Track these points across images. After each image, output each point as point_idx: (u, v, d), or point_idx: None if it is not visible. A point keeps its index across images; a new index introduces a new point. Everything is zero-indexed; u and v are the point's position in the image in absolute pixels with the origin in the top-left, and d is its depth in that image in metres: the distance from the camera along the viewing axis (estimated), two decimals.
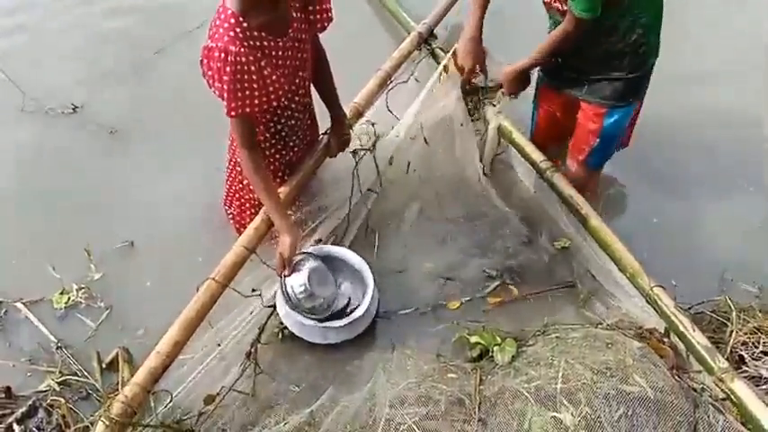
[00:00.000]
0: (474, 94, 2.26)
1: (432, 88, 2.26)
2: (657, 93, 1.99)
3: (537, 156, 2.07)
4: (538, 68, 2.08)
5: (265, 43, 1.48)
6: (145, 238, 2.21)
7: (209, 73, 1.47)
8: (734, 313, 1.76)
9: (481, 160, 2.32)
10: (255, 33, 1.45)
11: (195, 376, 1.65)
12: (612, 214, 2.24)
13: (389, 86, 2.28)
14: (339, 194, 2.06)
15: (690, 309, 1.82)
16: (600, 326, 1.81)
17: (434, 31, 2.56)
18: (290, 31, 1.54)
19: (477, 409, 1.58)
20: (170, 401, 1.55)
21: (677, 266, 2.03)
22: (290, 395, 1.73)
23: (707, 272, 2.04)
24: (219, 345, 1.65)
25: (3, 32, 2.95)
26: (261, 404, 1.73)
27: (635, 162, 2.23)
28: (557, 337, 1.78)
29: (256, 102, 1.50)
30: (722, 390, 1.55)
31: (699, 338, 1.60)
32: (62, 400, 1.74)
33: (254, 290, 1.73)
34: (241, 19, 1.42)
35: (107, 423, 1.38)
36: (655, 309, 1.71)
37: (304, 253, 1.82)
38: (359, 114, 2.14)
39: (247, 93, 1.47)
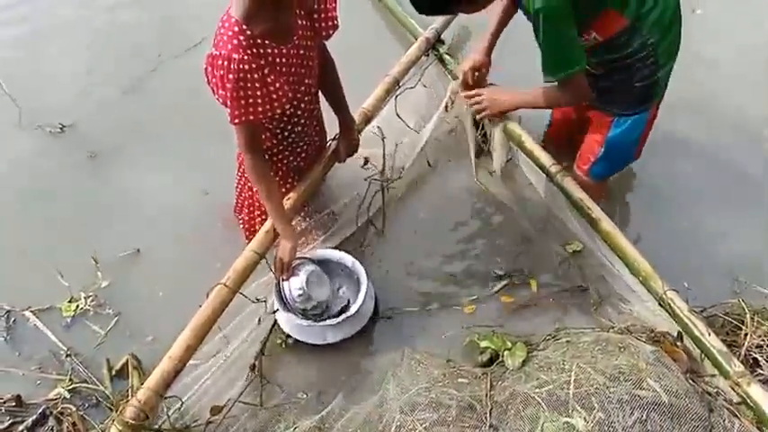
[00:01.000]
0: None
1: (437, 121, 2.32)
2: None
3: (546, 159, 2.05)
4: None
5: (269, 50, 1.49)
6: (150, 245, 2.21)
7: (214, 80, 1.47)
8: (747, 316, 1.73)
9: (492, 163, 2.32)
10: (259, 41, 1.46)
11: (203, 384, 1.66)
12: (622, 217, 2.23)
13: (397, 92, 2.29)
14: (348, 200, 2.06)
15: (703, 311, 1.80)
16: (612, 329, 1.80)
17: (442, 36, 2.56)
18: (294, 38, 1.54)
19: (488, 415, 1.56)
20: (180, 406, 1.55)
21: (690, 269, 2.01)
22: (300, 403, 1.73)
23: (720, 274, 2.02)
24: (226, 357, 1.65)
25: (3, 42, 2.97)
26: (270, 412, 1.73)
27: (643, 164, 2.21)
28: (567, 341, 1.76)
29: (260, 109, 1.50)
30: (738, 393, 1.52)
31: (714, 342, 1.58)
32: (72, 407, 1.74)
33: (257, 299, 1.73)
34: (245, 27, 1.43)
35: (120, 427, 1.38)
36: (668, 312, 1.69)
37: (301, 257, 1.84)
38: (367, 120, 2.15)
39: (251, 100, 1.48)
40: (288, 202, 1.82)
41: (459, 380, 1.70)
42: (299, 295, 1.78)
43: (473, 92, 2.10)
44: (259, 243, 1.74)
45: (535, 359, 1.73)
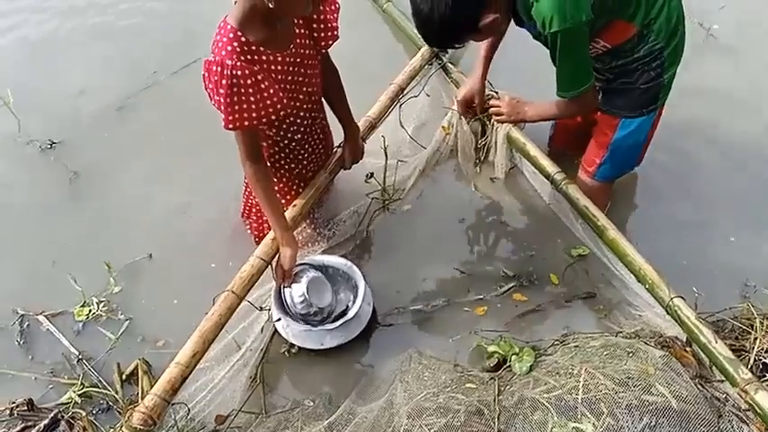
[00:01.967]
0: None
1: (437, 148, 2.40)
2: (671, 98, 1.96)
3: (550, 167, 2.06)
4: None
5: (264, 57, 1.50)
6: (162, 250, 2.24)
7: (210, 86, 1.49)
8: (757, 320, 1.72)
9: (494, 171, 2.35)
10: (254, 47, 1.48)
11: (210, 390, 1.67)
12: (628, 220, 2.22)
13: (401, 100, 2.32)
14: (351, 210, 2.09)
15: (711, 316, 1.80)
16: (620, 334, 1.79)
17: None
18: (291, 46, 1.56)
19: (496, 420, 1.56)
20: (188, 412, 1.57)
21: (699, 272, 2.00)
22: (306, 410, 1.74)
23: (729, 277, 2.01)
24: (233, 364, 1.66)
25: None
26: (277, 419, 1.74)
27: (649, 167, 2.21)
28: (576, 346, 1.76)
29: (254, 115, 1.52)
30: (745, 401, 1.51)
31: (721, 350, 1.57)
32: (83, 412, 1.75)
33: (261, 307, 1.75)
34: (240, 33, 1.45)
35: None
36: (675, 320, 1.68)
37: (302, 264, 1.85)
38: (372, 127, 2.17)
39: (244, 106, 1.49)
40: (293, 209, 1.84)
41: (467, 385, 1.70)
42: (301, 302, 1.79)
43: (494, 99, 2.14)
44: (266, 249, 1.76)
45: (543, 364, 1.73)
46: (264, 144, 1.79)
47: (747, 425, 1.48)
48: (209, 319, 1.58)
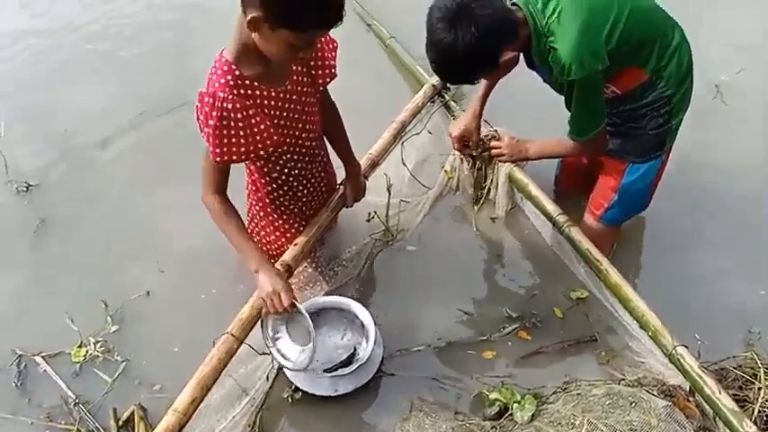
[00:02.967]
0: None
1: (440, 192, 2.41)
2: (679, 144, 1.97)
3: (553, 208, 2.06)
4: None
5: (257, 92, 1.50)
6: (160, 288, 2.22)
7: (201, 118, 1.49)
8: (761, 370, 1.71)
9: (495, 210, 2.36)
10: (248, 82, 1.47)
11: None
12: (630, 264, 2.21)
13: (403, 138, 2.33)
14: (355, 248, 2.08)
15: (714, 365, 1.78)
16: (622, 382, 1.77)
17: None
18: (287, 83, 1.56)
19: None
20: None
21: (701, 318, 1.98)
22: None
23: (732, 324, 1.99)
24: (234, 413, 1.64)
25: None
26: None
27: (654, 211, 2.20)
28: (578, 394, 1.74)
29: (242, 149, 1.51)
30: None
31: (725, 402, 1.55)
32: None
33: (264, 352, 1.71)
34: (234, 67, 1.45)
35: None
36: (678, 369, 1.67)
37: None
38: (374, 165, 2.18)
39: (233, 140, 1.48)
40: (294, 248, 1.82)
41: None
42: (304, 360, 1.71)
43: (494, 140, 2.17)
44: None
45: (545, 413, 1.70)
46: (262, 180, 1.78)
47: None
48: (207, 363, 1.56)
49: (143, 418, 1.79)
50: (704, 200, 2.41)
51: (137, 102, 2.93)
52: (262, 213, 1.90)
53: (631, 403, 1.63)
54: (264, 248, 1.97)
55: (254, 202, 1.92)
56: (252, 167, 1.76)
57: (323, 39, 1.59)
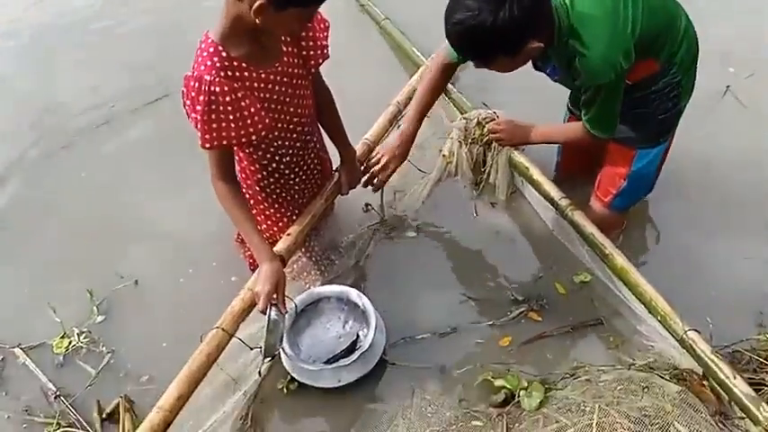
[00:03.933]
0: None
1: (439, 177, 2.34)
2: (683, 126, 1.92)
3: (555, 192, 2.00)
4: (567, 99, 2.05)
5: (246, 74, 1.43)
6: (149, 277, 2.14)
7: (188, 103, 1.42)
8: None
9: (495, 193, 2.30)
10: (236, 63, 1.40)
11: None
12: (637, 248, 2.15)
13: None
14: (352, 235, 2.01)
15: (727, 348, 1.72)
16: (633, 366, 1.71)
17: None
18: (276, 63, 1.48)
19: None
20: None
21: (711, 301, 1.92)
22: None
23: (743, 307, 1.92)
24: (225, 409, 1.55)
25: None
26: None
27: (660, 194, 2.14)
28: (587, 379, 1.68)
29: (233, 134, 1.43)
30: None
31: (741, 386, 1.49)
32: None
33: (252, 348, 1.62)
34: (221, 48, 1.38)
35: None
36: (690, 354, 1.60)
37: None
38: (370, 150, 2.10)
39: (222, 125, 1.41)
40: (287, 238, 1.74)
41: (473, 422, 1.61)
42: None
43: (493, 123, 2.11)
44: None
45: (553, 399, 1.63)
46: (252, 168, 1.70)
47: None
48: (195, 358, 1.46)
49: (129, 410, 1.70)
50: (712, 182, 2.35)
51: (123, 88, 2.86)
52: (252, 201, 1.82)
53: (644, 388, 1.57)
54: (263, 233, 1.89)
55: (244, 190, 1.83)
56: (241, 154, 1.68)
57: (315, 18, 1.52)
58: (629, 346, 1.81)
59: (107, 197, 2.43)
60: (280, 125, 1.57)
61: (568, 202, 1.98)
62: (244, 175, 1.76)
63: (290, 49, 1.51)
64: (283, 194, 1.78)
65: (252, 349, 1.63)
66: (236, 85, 1.40)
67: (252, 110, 1.44)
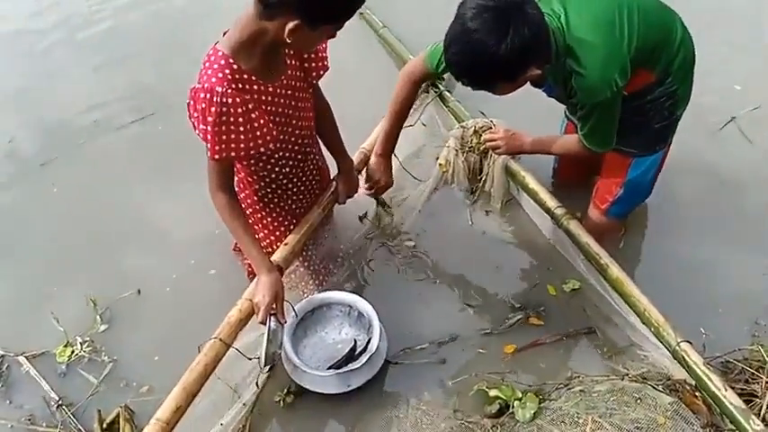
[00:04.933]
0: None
1: (435, 186, 2.35)
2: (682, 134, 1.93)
3: (551, 202, 2.01)
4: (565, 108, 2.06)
5: (255, 87, 1.45)
6: (152, 287, 2.16)
7: (195, 115, 1.43)
8: None
9: (491, 201, 2.32)
10: (245, 76, 1.42)
11: None
12: (632, 255, 2.16)
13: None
14: (350, 244, 2.02)
15: (719, 358, 1.74)
16: (627, 377, 1.72)
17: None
18: (282, 77, 1.51)
19: None
20: None
21: (704, 310, 1.93)
22: None
23: (737, 316, 1.94)
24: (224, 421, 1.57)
25: None
26: None
27: (656, 202, 2.17)
28: (581, 390, 1.69)
29: (242, 145, 1.45)
30: None
31: (731, 399, 1.50)
32: None
33: (250, 358, 1.64)
34: (231, 61, 1.39)
35: None
36: (683, 366, 1.61)
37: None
38: (367, 160, 2.11)
39: (232, 136, 1.42)
40: (285, 248, 1.75)
41: None
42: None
43: (489, 132, 2.12)
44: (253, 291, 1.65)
45: (547, 410, 1.65)
46: (250, 179, 1.72)
47: None
48: (193, 369, 1.48)
49: (129, 420, 1.72)
50: (707, 190, 2.36)
51: (125, 89, 2.87)
52: (250, 211, 1.83)
53: (636, 399, 1.58)
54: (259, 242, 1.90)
55: (241, 200, 1.85)
56: (238, 166, 1.69)
57: None
58: (624, 356, 1.82)
59: (108, 202, 2.45)
60: (283, 137, 1.59)
61: (564, 211, 1.99)
62: (242, 185, 1.78)
63: (293, 62, 1.53)
64: (281, 204, 1.80)
65: (250, 359, 1.65)
66: (246, 97, 1.41)
67: (261, 122, 1.46)
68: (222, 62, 1.39)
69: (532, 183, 2.10)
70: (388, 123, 1.98)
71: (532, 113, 2.22)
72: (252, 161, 1.64)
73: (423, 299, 2.07)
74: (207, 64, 1.41)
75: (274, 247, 1.82)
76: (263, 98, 1.48)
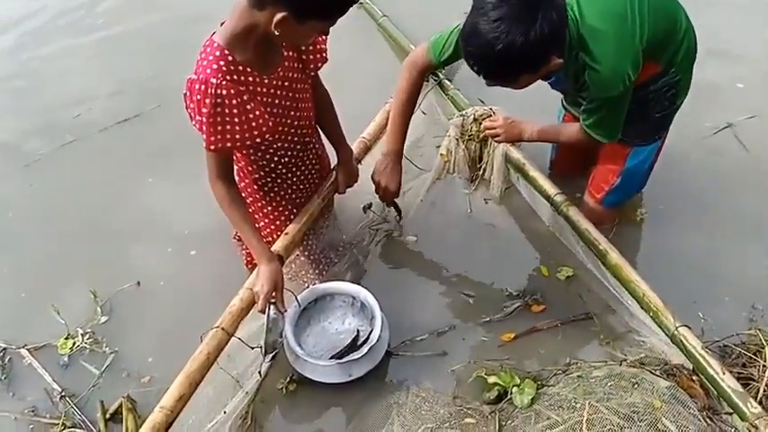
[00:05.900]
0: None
1: (437, 176, 2.34)
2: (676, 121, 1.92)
3: (551, 188, 2.01)
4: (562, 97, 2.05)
5: (250, 78, 1.45)
6: (150, 277, 2.17)
7: (191, 106, 1.43)
8: (766, 348, 1.67)
9: (490, 189, 2.32)
10: (241, 68, 1.42)
11: None
12: (630, 242, 2.16)
13: None
14: (352, 233, 2.03)
15: (717, 342, 1.74)
16: (624, 362, 1.73)
17: None
18: (279, 69, 1.50)
19: None
20: None
21: (703, 295, 1.94)
22: None
23: (735, 301, 1.95)
24: (223, 412, 1.58)
25: None
26: None
27: (654, 189, 2.16)
28: (579, 376, 1.70)
29: (237, 136, 1.45)
30: None
31: (729, 382, 1.51)
32: None
33: (253, 347, 1.65)
34: (227, 52, 1.39)
35: None
36: (681, 350, 1.63)
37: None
38: (367, 149, 2.11)
39: (227, 127, 1.43)
40: (285, 237, 1.76)
41: (467, 420, 1.64)
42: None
43: (489, 120, 2.12)
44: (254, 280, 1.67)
45: (545, 396, 1.66)
46: (250, 168, 1.72)
47: None
48: (195, 358, 1.49)
49: (131, 411, 1.74)
50: (704, 177, 2.36)
51: (124, 88, 2.88)
52: (250, 200, 1.84)
53: (633, 384, 1.59)
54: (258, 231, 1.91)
55: (241, 189, 1.85)
56: (238, 155, 1.70)
57: None
58: (621, 342, 1.83)
59: (109, 194, 2.46)
60: (281, 128, 1.59)
61: (564, 197, 2.00)
62: (242, 175, 1.78)
63: (290, 54, 1.53)
64: (281, 193, 1.80)
65: (252, 348, 1.66)
66: (241, 88, 1.42)
67: (257, 113, 1.46)
68: (217, 53, 1.39)
69: (532, 170, 2.10)
70: (394, 118, 1.92)
71: (532, 102, 2.20)
72: (251, 151, 1.65)
73: (423, 288, 2.07)
74: (203, 55, 1.41)
75: (275, 236, 1.83)
76: (259, 89, 1.47)
